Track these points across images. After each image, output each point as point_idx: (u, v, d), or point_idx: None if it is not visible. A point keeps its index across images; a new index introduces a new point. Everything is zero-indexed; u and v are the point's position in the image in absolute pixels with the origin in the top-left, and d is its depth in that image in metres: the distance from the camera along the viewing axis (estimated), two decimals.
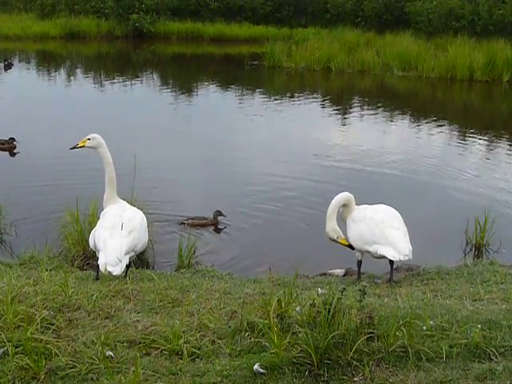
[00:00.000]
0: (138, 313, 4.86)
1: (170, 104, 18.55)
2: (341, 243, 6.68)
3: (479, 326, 4.46)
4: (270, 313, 4.36)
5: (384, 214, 6.52)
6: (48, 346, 4.11)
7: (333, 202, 6.66)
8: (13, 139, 12.49)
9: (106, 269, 5.54)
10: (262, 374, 3.99)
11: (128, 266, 6.32)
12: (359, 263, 6.67)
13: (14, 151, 12.48)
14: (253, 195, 10.11)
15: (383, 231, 6.32)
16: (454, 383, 3.96)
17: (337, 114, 18.15)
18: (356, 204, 6.73)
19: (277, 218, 9.25)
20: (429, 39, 27.15)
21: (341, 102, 20.42)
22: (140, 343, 4.30)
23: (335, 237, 6.64)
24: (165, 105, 18.38)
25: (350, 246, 6.63)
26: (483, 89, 22.03)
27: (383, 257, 6.31)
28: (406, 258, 6.25)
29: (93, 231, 6.09)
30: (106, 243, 5.72)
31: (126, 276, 6.15)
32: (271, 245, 8.35)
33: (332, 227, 6.62)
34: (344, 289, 4.36)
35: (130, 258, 6.00)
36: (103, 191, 6.25)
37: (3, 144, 12.47)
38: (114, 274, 5.53)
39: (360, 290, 4.47)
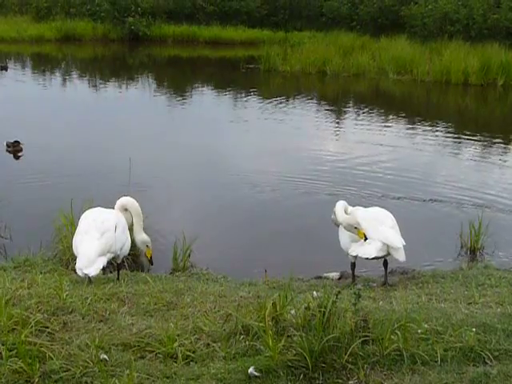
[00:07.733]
0: (133, 316, 4.85)
1: (165, 107, 18.56)
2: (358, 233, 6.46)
3: (474, 329, 4.48)
4: (265, 316, 4.37)
5: (376, 214, 6.57)
6: (42, 349, 4.10)
7: (338, 211, 6.61)
8: (18, 142, 12.40)
9: (82, 272, 5.66)
10: (256, 377, 3.99)
11: (119, 268, 6.37)
12: (353, 265, 6.68)
13: (19, 154, 12.36)
14: (247, 198, 10.10)
15: (376, 228, 6.35)
16: None
17: (331, 117, 18.15)
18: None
19: (272, 220, 9.24)
20: (424, 43, 27.19)
21: (336, 105, 20.43)
22: (134, 346, 4.29)
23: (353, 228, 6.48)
24: (160, 108, 18.37)
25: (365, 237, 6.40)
26: (478, 93, 22.07)
27: (376, 257, 6.32)
28: (401, 255, 6.25)
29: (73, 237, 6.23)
30: (77, 248, 5.91)
31: (119, 279, 6.17)
32: (266, 248, 8.33)
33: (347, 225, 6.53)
34: (339, 292, 4.37)
35: (112, 260, 6.19)
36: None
37: (9, 147, 12.42)
38: (91, 275, 5.69)
39: (355, 294, 4.47)
